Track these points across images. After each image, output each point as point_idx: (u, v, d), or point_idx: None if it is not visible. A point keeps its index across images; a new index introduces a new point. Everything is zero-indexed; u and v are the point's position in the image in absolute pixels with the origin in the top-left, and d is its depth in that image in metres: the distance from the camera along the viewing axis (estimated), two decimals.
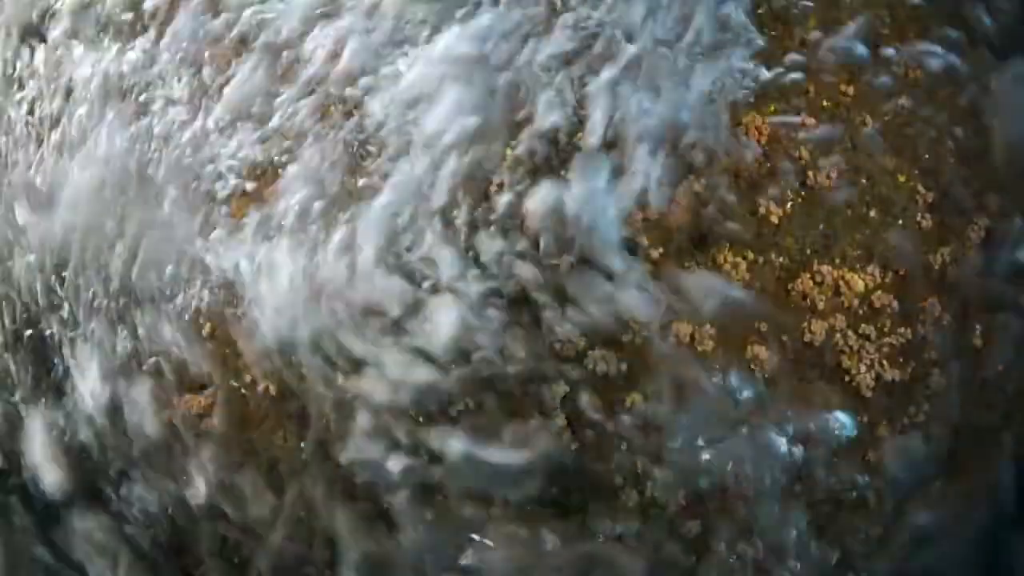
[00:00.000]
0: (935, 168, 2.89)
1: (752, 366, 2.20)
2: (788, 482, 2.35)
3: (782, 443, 2.33)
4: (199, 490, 2.18)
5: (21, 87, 2.87)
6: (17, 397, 2.71)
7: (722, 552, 2.29)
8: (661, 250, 2.12)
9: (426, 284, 2.20)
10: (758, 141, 2.31)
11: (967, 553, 2.75)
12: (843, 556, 2.52)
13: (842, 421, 2.45)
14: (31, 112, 2.86)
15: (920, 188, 2.84)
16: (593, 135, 2.24)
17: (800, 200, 2.42)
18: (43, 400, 2.62)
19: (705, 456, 2.15)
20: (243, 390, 2.11)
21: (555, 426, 2.03)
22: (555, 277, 2.15)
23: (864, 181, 2.62)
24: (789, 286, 2.33)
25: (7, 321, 2.76)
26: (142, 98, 2.62)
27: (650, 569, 2.18)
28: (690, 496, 2.09)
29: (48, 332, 2.69)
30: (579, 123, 2.30)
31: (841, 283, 2.46)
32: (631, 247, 2.07)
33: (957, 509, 2.91)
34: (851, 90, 2.68)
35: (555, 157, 2.32)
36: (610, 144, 2.30)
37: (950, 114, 2.94)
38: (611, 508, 2.08)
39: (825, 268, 2.42)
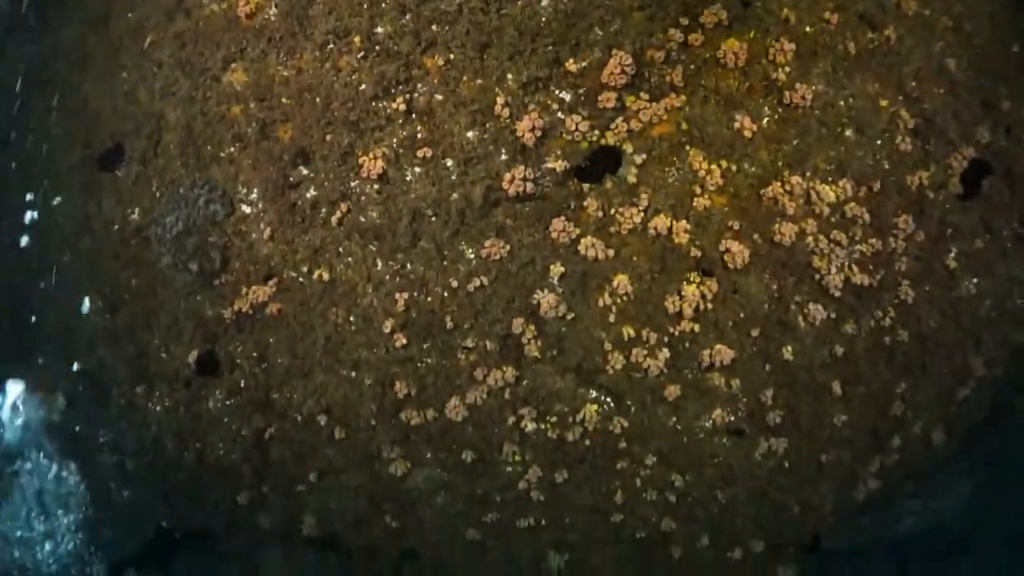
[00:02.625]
0: (921, 97, 3.22)
1: (724, 259, 2.67)
2: None
3: None
4: None
5: None
6: None
7: None
8: (644, 156, 2.59)
9: None
10: (736, 63, 2.71)
11: None
12: None
13: None
14: None
15: (903, 113, 3.18)
16: None
17: (775, 117, 2.83)
18: None
19: None
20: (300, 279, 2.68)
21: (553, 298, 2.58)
22: None
23: (841, 104, 2.99)
24: (760, 192, 2.76)
25: None
26: None
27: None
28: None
29: None
30: None
31: (812, 192, 2.86)
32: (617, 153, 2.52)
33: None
34: (835, 19, 3.02)
35: None
36: None
37: (944, 45, 3.25)
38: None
39: (795, 179, 2.82)
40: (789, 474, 3.19)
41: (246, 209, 2.72)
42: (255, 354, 2.83)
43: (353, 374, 2.74)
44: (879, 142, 3.08)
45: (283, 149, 2.67)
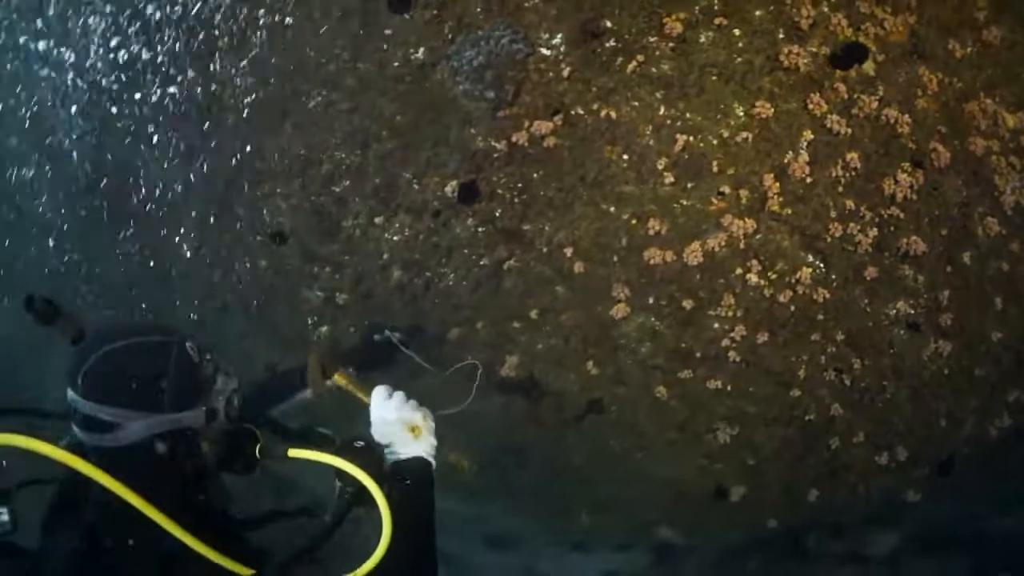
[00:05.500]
0: None
1: (931, 156, 3.33)
2: None
3: None
4: None
5: None
6: None
7: None
8: (883, 56, 3.28)
9: None
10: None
11: None
12: None
13: None
14: None
15: None
16: None
17: (976, 49, 3.55)
18: None
19: None
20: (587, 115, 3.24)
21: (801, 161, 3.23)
22: None
23: (1019, 48, 3.72)
24: (964, 106, 3.45)
25: None
26: None
27: None
28: None
29: None
30: None
31: (999, 116, 3.57)
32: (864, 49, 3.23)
33: None
34: None
35: None
36: None
37: None
38: None
39: (988, 100, 3.53)
40: (946, 381, 3.79)
41: (545, 52, 3.30)
42: (519, 185, 3.39)
43: (612, 208, 3.33)
44: None
45: (592, 3, 3.26)
